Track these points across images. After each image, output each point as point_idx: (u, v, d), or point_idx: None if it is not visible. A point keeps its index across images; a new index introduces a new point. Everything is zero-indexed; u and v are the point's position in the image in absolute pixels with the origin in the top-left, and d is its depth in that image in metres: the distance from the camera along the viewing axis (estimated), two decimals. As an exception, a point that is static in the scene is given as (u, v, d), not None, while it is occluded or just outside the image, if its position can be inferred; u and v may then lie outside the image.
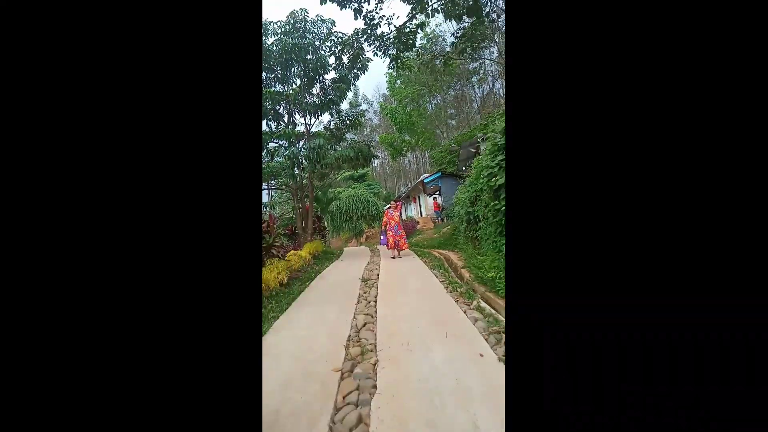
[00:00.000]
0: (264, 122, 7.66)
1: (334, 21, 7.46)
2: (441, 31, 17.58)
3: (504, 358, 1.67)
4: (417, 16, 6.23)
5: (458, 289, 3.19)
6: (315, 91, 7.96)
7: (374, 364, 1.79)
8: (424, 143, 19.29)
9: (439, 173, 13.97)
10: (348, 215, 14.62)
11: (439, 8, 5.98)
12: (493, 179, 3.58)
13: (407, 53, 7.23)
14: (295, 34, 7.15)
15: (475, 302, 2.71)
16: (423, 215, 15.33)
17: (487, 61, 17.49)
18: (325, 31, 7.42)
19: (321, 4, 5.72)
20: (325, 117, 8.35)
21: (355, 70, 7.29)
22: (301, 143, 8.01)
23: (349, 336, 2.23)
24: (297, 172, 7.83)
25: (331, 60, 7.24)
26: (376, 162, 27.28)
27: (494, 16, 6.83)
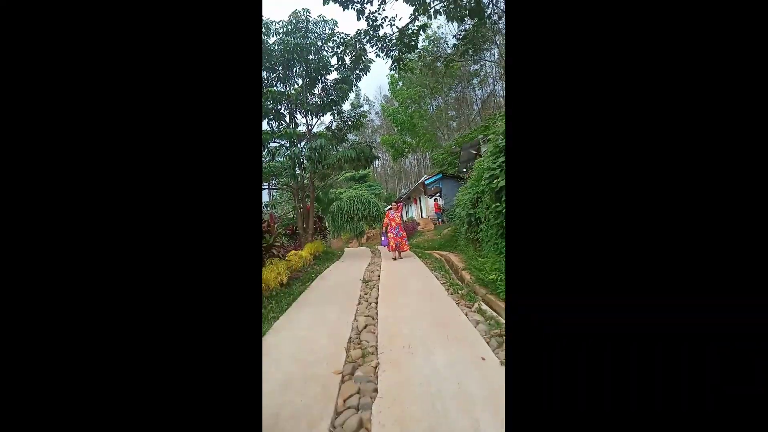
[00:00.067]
0: (265, 121, 7.66)
1: (336, 21, 7.47)
2: (443, 33, 17.64)
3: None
4: (419, 17, 6.23)
5: (459, 291, 3.17)
6: (317, 91, 7.96)
7: (375, 367, 1.77)
8: (425, 145, 19.33)
9: (440, 175, 13.99)
10: (349, 216, 14.61)
11: (441, 10, 5.98)
12: (495, 181, 3.56)
13: (409, 55, 7.23)
14: (297, 34, 7.15)
15: (476, 305, 2.68)
16: (424, 216, 15.33)
17: (488, 63, 17.53)
18: (327, 31, 7.42)
19: (324, 5, 5.72)
20: (327, 117, 8.35)
21: (357, 71, 7.28)
22: (303, 143, 8.00)
23: (350, 338, 2.21)
24: (298, 172, 7.82)
25: (333, 60, 7.23)
26: (377, 163, 27.31)
27: (496, 17, 6.84)
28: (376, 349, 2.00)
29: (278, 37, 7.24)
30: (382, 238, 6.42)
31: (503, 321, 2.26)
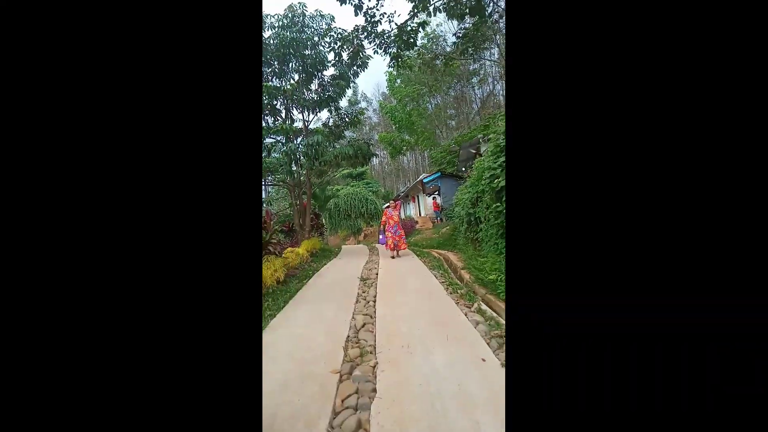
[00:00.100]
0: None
1: (333, 16, 7.39)
2: (442, 31, 17.56)
3: (505, 361, 1.65)
4: (419, 14, 6.18)
5: (458, 291, 3.17)
6: (314, 87, 7.90)
7: (374, 367, 1.76)
8: (424, 143, 19.29)
9: (439, 173, 13.99)
10: (346, 213, 14.58)
11: (441, 7, 5.94)
12: (496, 181, 3.56)
13: (408, 52, 7.18)
14: (293, 29, 7.07)
15: (476, 305, 2.69)
16: (422, 215, 15.34)
17: (487, 63, 17.49)
18: (324, 26, 7.35)
19: (321, -1, 5.66)
20: (324, 114, 8.35)
21: (355, 68, 7.22)
22: (299, 139, 7.95)
23: (348, 336, 2.20)
24: (295, 168, 7.77)
25: (330, 56, 7.17)
26: (375, 160, 27.28)
27: (496, 16, 6.81)
28: (375, 348, 2.00)
29: (273, 31, 7.15)
30: (380, 236, 6.41)
31: (503, 322, 2.26)
